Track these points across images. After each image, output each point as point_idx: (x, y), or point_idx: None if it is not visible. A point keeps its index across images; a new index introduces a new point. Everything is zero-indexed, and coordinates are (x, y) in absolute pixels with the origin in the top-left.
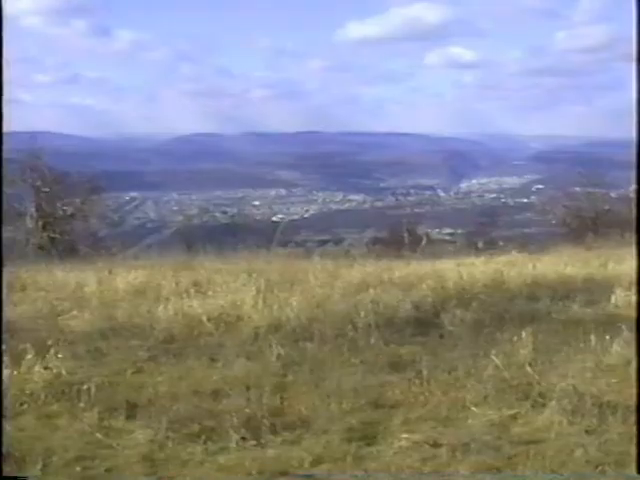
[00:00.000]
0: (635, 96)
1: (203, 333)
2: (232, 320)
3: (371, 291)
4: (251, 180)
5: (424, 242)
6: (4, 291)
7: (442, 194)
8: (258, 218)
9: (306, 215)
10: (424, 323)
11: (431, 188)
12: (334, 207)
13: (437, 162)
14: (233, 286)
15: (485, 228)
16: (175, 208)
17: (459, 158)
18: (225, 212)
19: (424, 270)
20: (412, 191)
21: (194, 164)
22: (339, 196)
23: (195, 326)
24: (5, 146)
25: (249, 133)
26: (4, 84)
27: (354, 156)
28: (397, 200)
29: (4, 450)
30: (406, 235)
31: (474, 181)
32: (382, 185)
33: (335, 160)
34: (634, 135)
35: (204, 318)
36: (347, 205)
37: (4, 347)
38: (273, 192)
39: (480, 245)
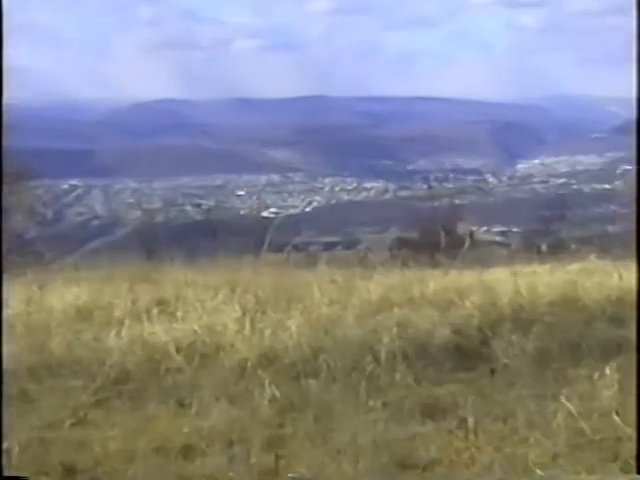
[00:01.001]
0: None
1: (170, 369)
2: (209, 351)
3: (396, 310)
4: (233, 162)
5: (467, 244)
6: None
7: (491, 180)
8: (243, 213)
9: (308, 209)
10: (468, 354)
11: (476, 172)
12: (345, 198)
13: (484, 137)
14: (210, 305)
15: (551, 225)
16: (131, 200)
17: (514, 131)
18: (199, 205)
19: (467, 282)
20: (450, 176)
21: (156, 140)
22: (352, 183)
23: (159, 359)
24: None
25: (230, 99)
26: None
27: (372, 129)
28: (430, 188)
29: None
30: (442, 235)
31: (536, 161)
32: (409, 168)
33: (347, 135)
34: None
35: (171, 348)
36: (363, 195)
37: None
38: (263, 178)
39: (544, 248)
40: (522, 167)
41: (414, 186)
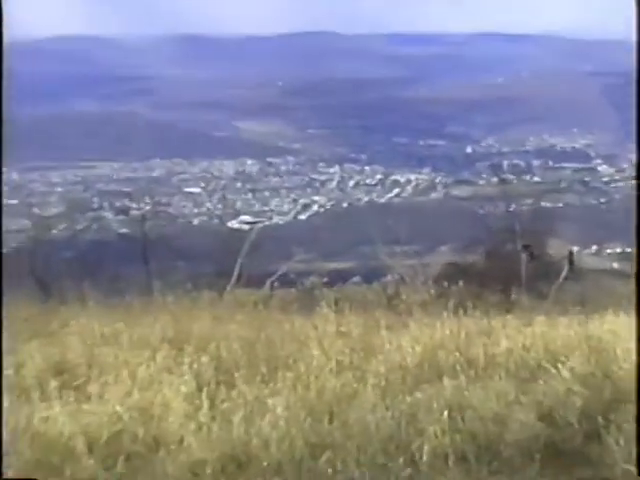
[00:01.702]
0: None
1: (76, 476)
2: (142, 449)
3: (447, 383)
4: (182, 139)
5: (564, 274)
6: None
7: (604, 169)
8: (198, 223)
9: (303, 216)
10: (566, 455)
11: (578, 156)
12: (364, 199)
13: (592, 99)
14: (144, 374)
15: None
16: (13, 201)
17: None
18: (125, 210)
19: (564, 336)
20: (535, 163)
21: (58, 104)
22: (375, 174)
23: (59, 463)
24: None
25: (179, 36)
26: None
27: (406, 86)
28: (502, 183)
29: None
30: (524, 260)
31: None
32: (468, 151)
33: (366, 96)
34: None
35: (79, 444)
36: (393, 194)
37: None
38: (231, 167)
39: None
40: None
41: (476, 179)
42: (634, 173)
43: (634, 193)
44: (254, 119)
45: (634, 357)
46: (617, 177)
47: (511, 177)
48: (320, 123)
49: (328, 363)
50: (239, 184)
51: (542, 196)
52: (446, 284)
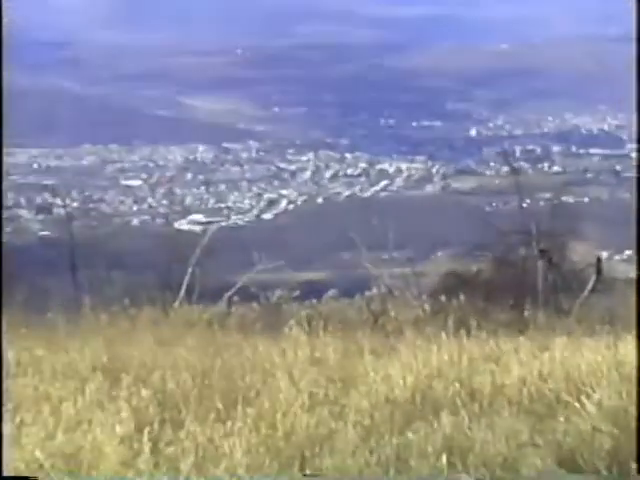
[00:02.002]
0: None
1: None
2: None
3: (444, 419)
4: (120, 121)
5: (591, 285)
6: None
7: (637, 155)
8: (137, 224)
9: (268, 215)
10: None
11: (608, 140)
12: (345, 193)
13: (612, 68)
14: (70, 410)
15: None
16: None
17: None
18: (47, 208)
19: (589, 362)
20: (554, 149)
21: None
22: (358, 162)
23: None
24: None
25: None
26: None
27: (393, 55)
28: (513, 172)
29: None
30: (541, 268)
31: None
32: (472, 134)
33: (345, 67)
34: None
35: None
36: (380, 186)
37: None
38: (181, 153)
39: None
40: None
41: (482, 169)
42: None
43: None
44: (207, 95)
45: None
46: None
47: (525, 166)
48: (289, 100)
49: (299, 397)
50: (189, 175)
51: (563, 189)
52: (444, 298)
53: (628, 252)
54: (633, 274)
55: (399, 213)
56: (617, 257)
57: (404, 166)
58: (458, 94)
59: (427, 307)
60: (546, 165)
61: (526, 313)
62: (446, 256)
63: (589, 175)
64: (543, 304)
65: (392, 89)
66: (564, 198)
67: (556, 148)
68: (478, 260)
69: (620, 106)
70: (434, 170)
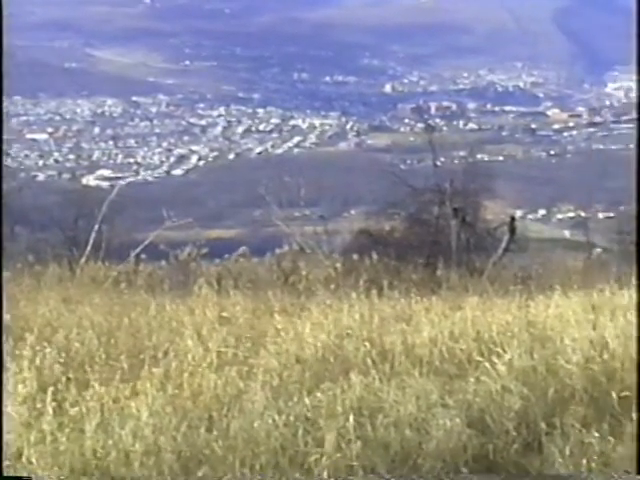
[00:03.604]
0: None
1: None
2: None
3: (354, 380)
4: (24, 72)
5: (504, 244)
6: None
7: (552, 112)
8: (42, 179)
9: (178, 171)
10: (501, 467)
11: (524, 96)
12: (256, 149)
13: (529, 23)
14: None
15: None
16: None
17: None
18: None
19: (500, 322)
20: (469, 106)
21: None
22: (271, 118)
23: None
24: None
25: None
26: None
27: (305, 7)
28: (428, 129)
29: None
30: (454, 227)
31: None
32: (386, 90)
33: (257, 19)
34: None
35: None
36: (293, 143)
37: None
38: (88, 107)
39: None
40: (616, 86)
41: (396, 126)
42: (592, 118)
43: (592, 143)
44: (115, 46)
45: (586, 347)
46: (571, 123)
47: (440, 123)
48: (200, 53)
49: (207, 356)
50: (97, 130)
51: (478, 147)
52: (357, 257)
53: (542, 211)
54: (547, 234)
55: (312, 170)
56: (531, 216)
57: (317, 122)
58: (372, 49)
59: (339, 266)
60: (461, 122)
61: (439, 272)
62: (359, 214)
63: (504, 133)
64: (456, 264)
65: (305, 43)
66: (479, 156)
67: (471, 105)
68: (391, 219)
69: (536, 63)
70: (348, 126)
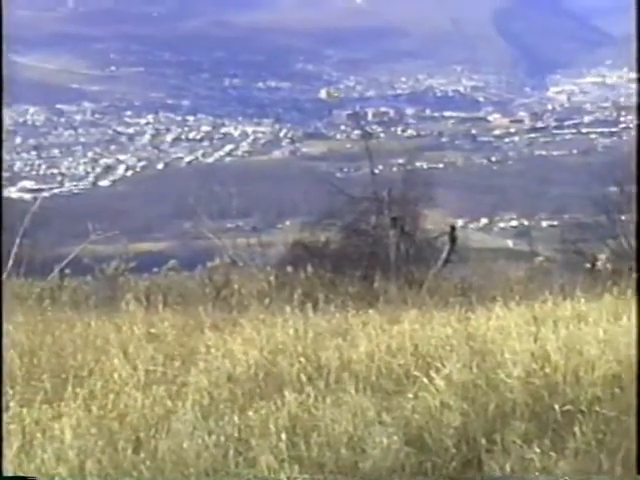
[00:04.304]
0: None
1: None
2: None
3: (288, 397)
4: None
5: (444, 255)
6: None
7: (493, 117)
8: None
9: (104, 182)
10: None
11: (464, 101)
12: (186, 158)
13: (468, 24)
14: None
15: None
16: None
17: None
18: None
19: (439, 335)
20: (407, 111)
21: None
22: (201, 125)
23: None
24: None
25: None
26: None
27: (237, 10)
28: (365, 136)
29: None
30: (393, 237)
31: (590, 75)
32: (320, 95)
33: (186, 23)
34: None
35: None
36: (225, 150)
37: None
38: (9, 115)
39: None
40: (558, 90)
41: (332, 133)
42: (534, 123)
43: (534, 149)
44: (36, 52)
45: (527, 360)
46: (512, 129)
47: (377, 129)
48: (126, 58)
49: (134, 375)
50: (18, 139)
51: (417, 154)
52: (291, 270)
53: (484, 220)
54: (489, 243)
55: (244, 180)
56: (472, 226)
57: (250, 129)
58: (307, 53)
59: (272, 279)
60: (399, 129)
61: (376, 285)
62: (294, 225)
63: (444, 139)
64: (394, 275)
65: (236, 47)
66: (418, 164)
67: (410, 111)
68: (327, 229)
69: (476, 67)
70: (282, 134)
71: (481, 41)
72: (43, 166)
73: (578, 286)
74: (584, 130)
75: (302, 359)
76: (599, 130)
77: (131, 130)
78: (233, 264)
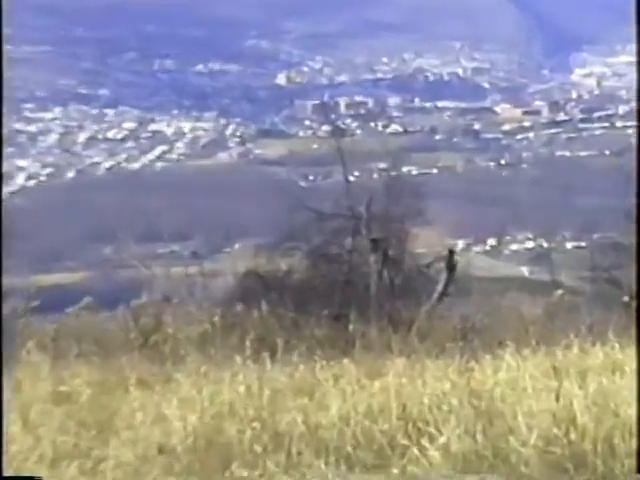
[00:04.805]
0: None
1: None
2: None
3: (237, 475)
4: None
5: (440, 287)
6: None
7: (501, 108)
8: None
9: (12, 188)
10: None
11: (463, 87)
12: (104, 163)
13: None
14: None
15: None
16: None
17: None
18: None
19: (434, 392)
20: (391, 101)
21: None
22: (124, 121)
23: None
24: None
25: None
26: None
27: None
28: (336, 132)
29: None
30: (373, 261)
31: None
32: (278, 80)
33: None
34: None
35: None
36: (155, 152)
37: None
38: None
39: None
40: (585, 73)
41: (294, 129)
42: (554, 115)
43: (554, 149)
44: None
45: (546, 424)
46: (527, 123)
47: (352, 125)
48: (29, 35)
49: (36, 448)
50: None
51: (404, 157)
52: (242, 307)
53: (491, 241)
54: (498, 271)
55: (181, 191)
56: (476, 248)
57: (187, 126)
58: (259, 27)
59: (217, 320)
60: (380, 124)
61: (352, 327)
62: (245, 249)
63: (438, 137)
64: (375, 314)
65: (170, 20)
66: (405, 168)
67: (393, 100)
68: (289, 255)
69: (479, 43)
70: (228, 131)
71: (485, 10)
72: None
73: (611, 326)
74: (618, 124)
75: (256, 424)
76: (637, 124)
77: (33, 128)
78: (166, 301)
